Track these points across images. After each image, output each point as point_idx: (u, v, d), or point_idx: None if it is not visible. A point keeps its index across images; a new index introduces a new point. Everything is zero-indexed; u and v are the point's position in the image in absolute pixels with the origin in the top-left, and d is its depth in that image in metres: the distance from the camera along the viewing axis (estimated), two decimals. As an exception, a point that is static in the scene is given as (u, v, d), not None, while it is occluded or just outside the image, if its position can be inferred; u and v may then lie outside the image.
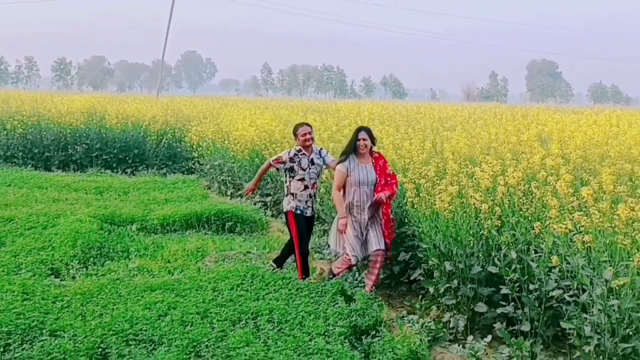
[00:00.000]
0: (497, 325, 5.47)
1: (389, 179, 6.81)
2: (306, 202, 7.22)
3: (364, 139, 6.80)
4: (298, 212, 7.19)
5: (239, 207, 10.98)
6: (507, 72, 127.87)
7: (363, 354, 5.16)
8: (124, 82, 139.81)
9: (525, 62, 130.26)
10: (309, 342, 5.11)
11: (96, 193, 12.93)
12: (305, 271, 7.16)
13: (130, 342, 5.17)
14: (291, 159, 7.25)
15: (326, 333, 5.40)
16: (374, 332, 5.71)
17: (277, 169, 7.69)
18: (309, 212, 7.27)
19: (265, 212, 11.55)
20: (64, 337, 5.20)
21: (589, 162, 6.99)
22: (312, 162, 7.26)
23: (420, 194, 6.56)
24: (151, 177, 15.90)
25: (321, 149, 7.49)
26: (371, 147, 6.92)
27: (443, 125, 12.23)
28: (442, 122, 13.25)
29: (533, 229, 5.23)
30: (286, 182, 7.36)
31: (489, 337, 5.47)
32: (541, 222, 5.21)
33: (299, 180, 7.21)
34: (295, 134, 7.37)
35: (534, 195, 5.56)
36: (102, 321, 5.56)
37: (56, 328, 5.36)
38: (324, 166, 7.45)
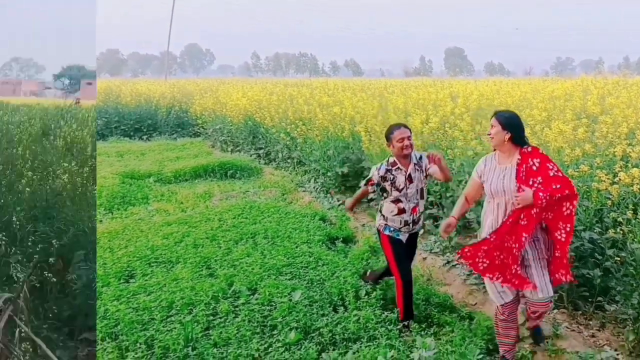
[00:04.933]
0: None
1: (554, 184, 3.22)
2: (399, 229, 4.23)
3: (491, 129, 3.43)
4: (387, 232, 4.26)
5: (238, 159, 10.86)
6: (432, 55, 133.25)
7: (335, 252, 5.23)
8: (137, 70, 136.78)
9: (444, 48, 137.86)
10: (296, 249, 5.22)
11: (117, 156, 12.57)
12: (407, 312, 4.14)
13: (152, 264, 5.09)
14: (383, 178, 4.20)
15: (308, 241, 5.52)
16: (342, 238, 5.85)
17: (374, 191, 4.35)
18: (403, 237, 4.27)
19: (259, 162, 11.48)
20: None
21: (483, 110, 7.54)
22: (409, 178, 4.17)
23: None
24: (164, 142, 15.54)
25: (421, 156, 4.25)
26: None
27: (387, 90, 13.19)
28: (386, 89, 14.09)
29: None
30: (381, 199, 4.40)
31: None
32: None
33: (392, 202, 4.22)
34: (388, 139, 4.22)
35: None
36: (127, 251, 5.46)
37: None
38: (425, 178, 4.28)
